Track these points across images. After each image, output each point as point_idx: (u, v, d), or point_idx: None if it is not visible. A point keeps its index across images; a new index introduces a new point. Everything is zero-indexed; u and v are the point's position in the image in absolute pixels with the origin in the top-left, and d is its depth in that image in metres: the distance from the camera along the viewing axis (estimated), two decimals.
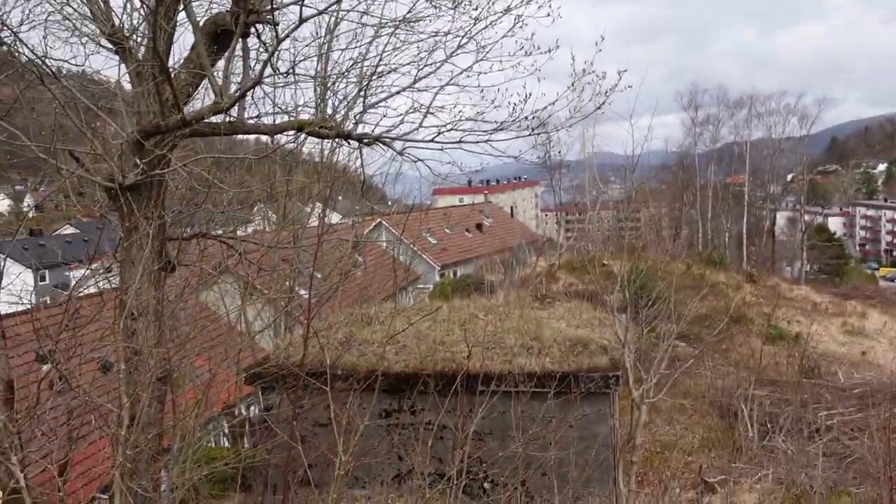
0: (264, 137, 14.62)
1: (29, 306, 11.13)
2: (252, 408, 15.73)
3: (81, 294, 10.12)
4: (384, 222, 40.58)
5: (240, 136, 15.85)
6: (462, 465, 8.86)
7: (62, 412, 9.84)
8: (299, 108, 9.40)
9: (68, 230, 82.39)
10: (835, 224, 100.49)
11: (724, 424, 16.87)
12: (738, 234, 60.86)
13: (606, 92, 8.42)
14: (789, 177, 71.40)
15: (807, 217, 67.67)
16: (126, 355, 7.29)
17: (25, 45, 6.32)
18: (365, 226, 33.74)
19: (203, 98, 7.74)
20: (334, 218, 18.26)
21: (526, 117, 8.00)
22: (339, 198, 16.45)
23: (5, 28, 6.46)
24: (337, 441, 5.72)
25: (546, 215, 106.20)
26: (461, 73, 8.52)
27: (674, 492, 13.55)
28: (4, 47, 6.93)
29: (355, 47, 8.58)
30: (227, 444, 15.13)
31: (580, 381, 10.69)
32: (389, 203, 38.52)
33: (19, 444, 5.81)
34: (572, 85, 8.28)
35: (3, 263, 6.74)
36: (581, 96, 8.41)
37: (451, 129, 8.33)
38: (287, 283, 14.64)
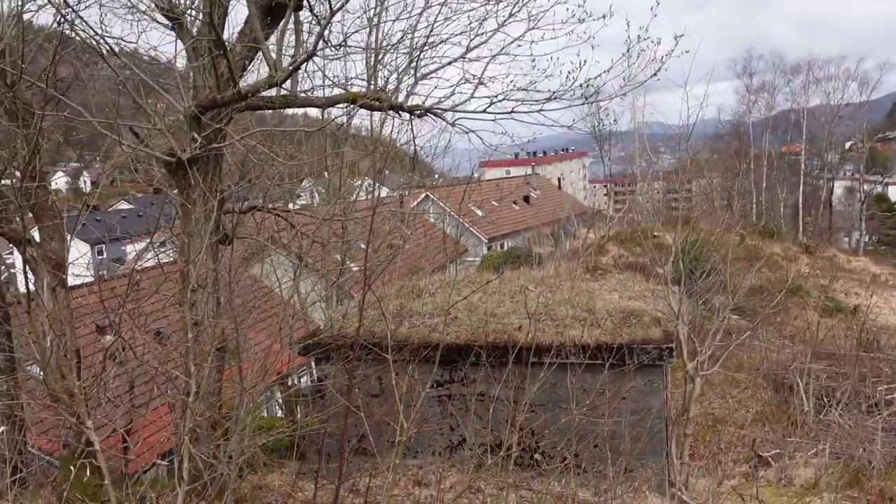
0: (312, 112, 14.70)
1: (90, 279, 11.47)
2: (304, 378, 16.02)
3: (140, 267, 10.42)
4: (431, 195, 40.62)
5: (288, 111, 15.98)
6: (514, 436, 8.91)
7: (125, 381, 10.20)
8: (350, 81, 9.43)
9: (123, 206, 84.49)
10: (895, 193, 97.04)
11: (779, 398, 16.55)
12: (793, 205, 59.30)
13: (662, 58, 8.26)
14: (847, 145, 69.11)
15: (866, 186, 65.50)
16: (187, 326, 7.48)
17: (87, 22, 6.44)
18: (413, 199, 33.81)
19: (257, 72, 7.82)
20: (382, 192, 18.33)
21: (580, 86, 7.90)
22: (386, 171, 16.49)
23: (66, 5, 6.59)
24: (396, 408, 5.79)
25: (594, 187, 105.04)
26: (512, 42, 8.45)
27: (727, 465, 13.41)
28: (65, 25, 7.07)
29: (406, 18, 8.55)
30: (280, 414, 15.46)
31: (634, 353, 10.59)
32: (437, 176, 38.51)
33: (86, 411, 6.03)
34: (627, 52, 8.13)
35: (69, 239, 6.94)
36: (637, 62, 8.25)
37: (504, 100, 8.27)
38: (338, 256, 14.81)
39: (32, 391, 13.20)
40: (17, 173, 7.42)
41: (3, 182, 7.45)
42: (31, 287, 6.90)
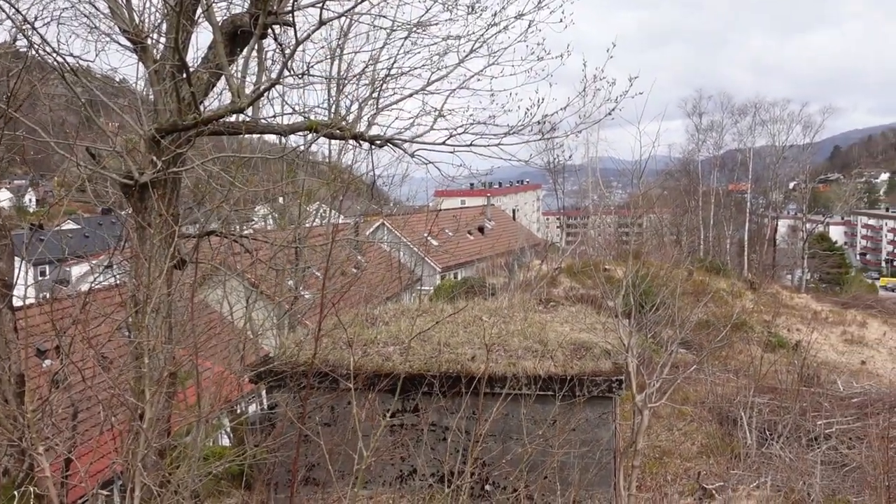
0: (270, 138, 14.67)
1: (31, 300, 11.18)
2: (253, 406, 15.78)
3: (89, 289, 10.20)
4: (387, 224, 40.63)
5: (246, 137, 15.95)
6: (466, 466, 8.93)
7: (68, 406, 9.91)
8: (309, 110, 9.50)
9: (69, 225, 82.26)
10: (836, 233, 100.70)
11: (723, 431, 16.91)
12: (739, 242, 61.04)
13: (617, 98, 8.52)
14: (791, 185, 71.55)
15: (808, 225, 67.79)
16: (138, 351, 7.36)
17: (47, 42, 6.39)
18: (367, 226, 33.78)
19: (220, 97, 7.83)
20: (337, 219, 18.32)
21: (538, 122, 8.09)
22: (340, 198, 16.54)
23: (26, 23, 6.53)
24: (349, 438, 5.77)
25: (548, 219, 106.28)
26: (473, 76, 8.65)
27: (672, 497, 13.60)
28: (21, 41, 7.00)
29: (368, 50, 8.70)
30: (228, 442, 15.17)
31: (584, 384, 10.75)
32: (392, 205, 38.59)
33: (35, 437, 5.87)
34: (583, 90, 8.38)
35: (21, 261, 6.80)
36: (593, 101, 8.50)
37: (463, 132, 8.43)
38: (291, 283, 14.72)
39: None
40: None
41: None
42: None
